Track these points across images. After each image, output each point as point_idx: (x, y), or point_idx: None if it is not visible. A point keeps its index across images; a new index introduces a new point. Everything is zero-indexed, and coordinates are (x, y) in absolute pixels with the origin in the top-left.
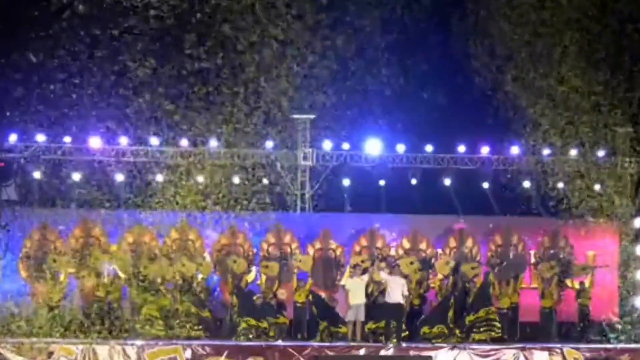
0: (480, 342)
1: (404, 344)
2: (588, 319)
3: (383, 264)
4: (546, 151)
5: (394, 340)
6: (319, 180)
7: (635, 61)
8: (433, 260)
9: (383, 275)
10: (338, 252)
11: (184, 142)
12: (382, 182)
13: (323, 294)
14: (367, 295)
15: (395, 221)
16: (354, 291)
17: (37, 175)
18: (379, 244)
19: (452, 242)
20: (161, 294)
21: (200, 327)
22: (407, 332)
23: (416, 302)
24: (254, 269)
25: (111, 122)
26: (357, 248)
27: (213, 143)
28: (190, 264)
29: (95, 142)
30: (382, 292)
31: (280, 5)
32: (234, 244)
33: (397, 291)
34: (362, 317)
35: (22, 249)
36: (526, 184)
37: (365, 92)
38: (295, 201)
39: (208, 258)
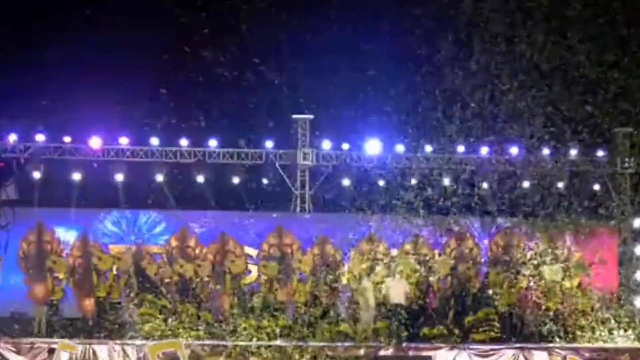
0: (479, 342)
1: (403, 344)
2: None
3: (384, 265)
4: (546, 151)
5: (396, 340)
6: (319, 180)
7: (635, 60)
8: (433, 260)
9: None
10: (337, 254)
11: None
12: (382, 182)
13: (323, 295)
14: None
15: (395, 221)
16: (364, 294)
17: (36, 175)
18: (379, 244)
19: (452, 243)
20: (161, 294)
21: (200, 327)
22: (406, 333)
23: (415, 302)
24: (254, 269)
25: (113, 122)
26: (356, 249)
27: (212, 143)
28: (189, 264)
29: (95, 142)
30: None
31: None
32: (231, 244)
33: (399, 292)
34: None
35: (21, 249)
36: (525, 184)
37: (365, 92)
38: (295, 201)
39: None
